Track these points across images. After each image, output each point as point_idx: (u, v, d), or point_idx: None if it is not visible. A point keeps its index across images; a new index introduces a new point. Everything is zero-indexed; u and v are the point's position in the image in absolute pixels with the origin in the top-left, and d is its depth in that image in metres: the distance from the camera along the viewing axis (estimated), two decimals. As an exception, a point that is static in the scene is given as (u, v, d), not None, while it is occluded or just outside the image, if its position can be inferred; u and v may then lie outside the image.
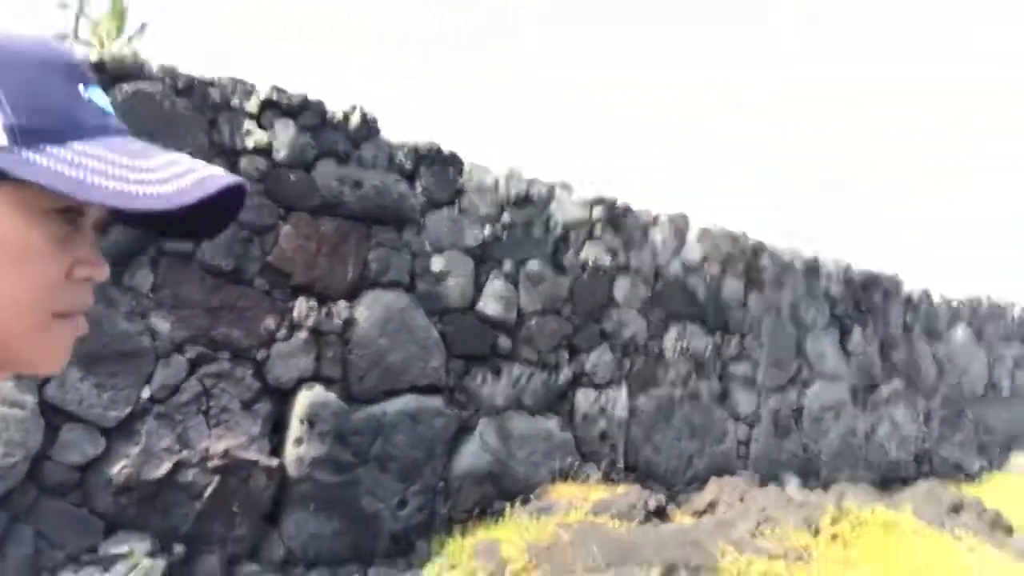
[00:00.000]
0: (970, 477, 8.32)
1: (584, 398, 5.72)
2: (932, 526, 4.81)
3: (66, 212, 0.55)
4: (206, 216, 0.63)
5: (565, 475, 5.42)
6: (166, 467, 3.92)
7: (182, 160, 0.58)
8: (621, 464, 5.83)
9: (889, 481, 7.41)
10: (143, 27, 5.20)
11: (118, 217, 0.62)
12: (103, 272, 0.59)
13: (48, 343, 0.56)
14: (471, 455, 5.03)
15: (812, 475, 7.10)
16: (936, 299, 8.76)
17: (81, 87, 0.57)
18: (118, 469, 3.80)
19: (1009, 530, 5.47)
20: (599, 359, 5.83)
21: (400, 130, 5.02)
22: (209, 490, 4.02)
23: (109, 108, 0.60)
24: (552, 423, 5.50)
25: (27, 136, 0.51)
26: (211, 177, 0.57)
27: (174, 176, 0.55)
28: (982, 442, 8.95)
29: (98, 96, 0.59)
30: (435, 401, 4.91)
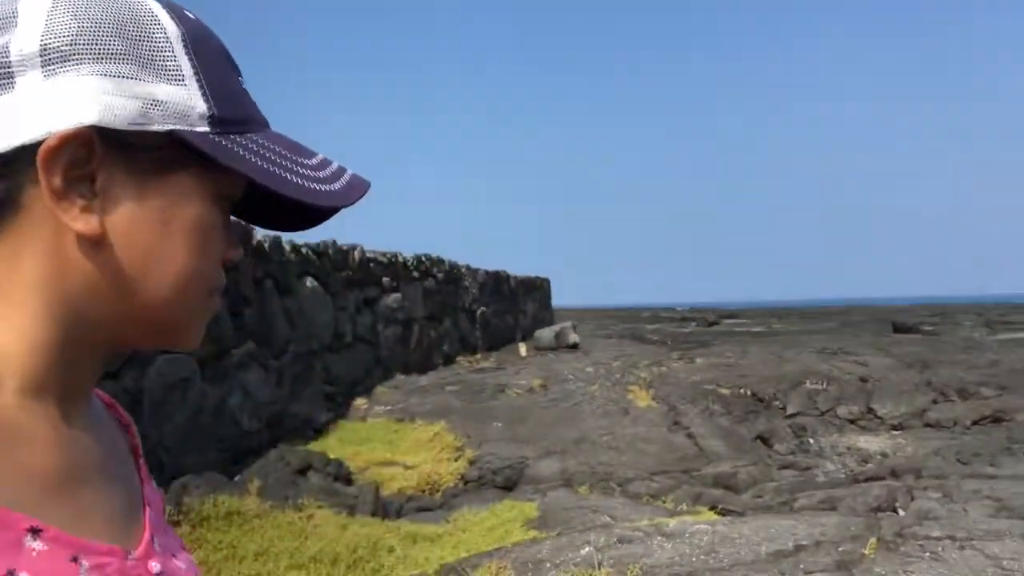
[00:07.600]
0: (318, 431, 8.60)
1: None
2: (277, 501, 4.82)
3: (227, 199, 0.56)
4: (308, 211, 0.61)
5: None
6: None
7: (330, 160, 0.60)
8: None
9: (242, 455, 7.19)
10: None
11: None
12: (240, 254, 0.61)
13: (204, 317, 0.57)
14: None
15: (155, 469, 6.29)
16: (287, 249, 8.15)
17: (240, 78, 0.57)
18: None
19: (348, 479, 5.98)
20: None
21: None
22: None
23: None
24: None
25: (221, 125, 0.52)
26: (357, 178, 0.59)
27: (333, 175, 0.57)
28: (328, 392, 9.59)
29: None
30: None
